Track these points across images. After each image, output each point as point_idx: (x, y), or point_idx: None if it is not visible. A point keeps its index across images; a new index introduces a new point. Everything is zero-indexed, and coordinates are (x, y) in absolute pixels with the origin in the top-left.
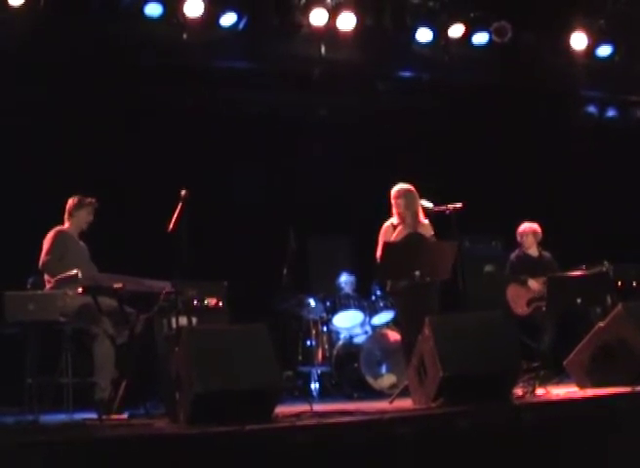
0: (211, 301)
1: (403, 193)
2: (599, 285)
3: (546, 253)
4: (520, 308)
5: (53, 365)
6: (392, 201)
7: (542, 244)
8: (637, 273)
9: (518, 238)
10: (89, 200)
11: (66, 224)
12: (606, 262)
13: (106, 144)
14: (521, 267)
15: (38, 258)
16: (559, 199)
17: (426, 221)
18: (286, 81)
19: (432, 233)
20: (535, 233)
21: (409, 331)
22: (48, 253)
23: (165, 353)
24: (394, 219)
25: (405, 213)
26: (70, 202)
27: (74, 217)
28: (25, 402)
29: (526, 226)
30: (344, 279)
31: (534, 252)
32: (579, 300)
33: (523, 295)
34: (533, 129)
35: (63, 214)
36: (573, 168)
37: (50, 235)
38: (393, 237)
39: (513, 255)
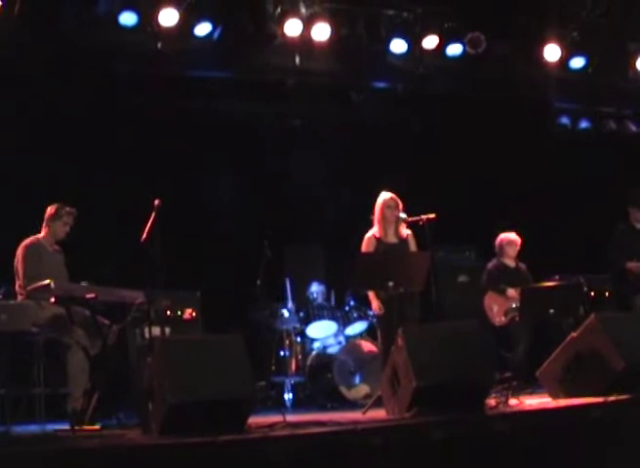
0: (185, 312)
1: (389, 203)
2: (572, 295)
3: (522, 265)
4: (497, 317)
5: (25, 375)
6: (378, 210)
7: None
8: (610, 284)
9: (498, 248)
10: (67, 210)
11: (42, 233)
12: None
13: (79, 153)
14: (498, 276)
15: (10, 268)
16: (532, 209)
17: (409, 231)
18: (260, 91)
19: (415, 244)
20: (517, 244)
21: (386, 342)
22: (25, 277)
23: (138, 363)
24: (375, 230)
25: (390, 222)
26: (48, 210)
27: (50, 227)
28: None
29: (509, 237)
30: (315, 288)
31: (511, 262)
32: (551, 311)
33: (501, 305)
34: (506, 140)
35: (37, 223)
36: (546, 179)
37: (20, 254)
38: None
39: (491, 265)
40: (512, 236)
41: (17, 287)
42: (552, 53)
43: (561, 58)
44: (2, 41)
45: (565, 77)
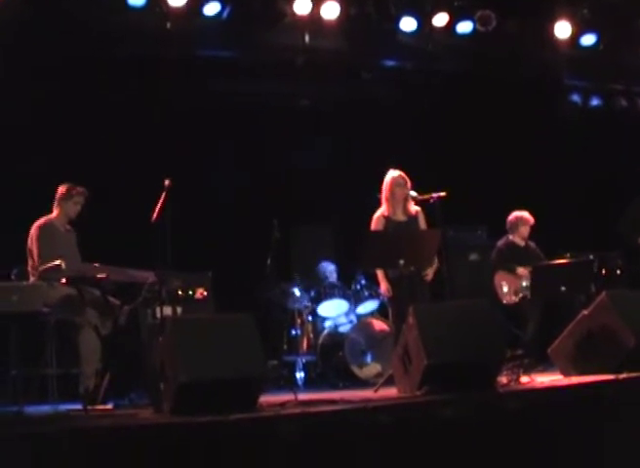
0: (196, 291)
1: (398, 181)
2: (583, 273)
3: (532, 243)
4: (508, 296)
5: (37, 356)
6: (386, 188)
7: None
8: (621, 261)
9: (510, 225)
10: (78, 189)
11: (54, 212)
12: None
13: (91, 134)
14: (509, 255)
15: (22, 249)
16: (543, 187)
17: (418, 208)
18: (269, 70)
19: (425, 221)
20: (530, 223)
21: (397, 320)
22: (40, 257)
23: (149, 343)
24: (384, 208)
25: (398, 200)
26: (60, 190)
27: (62, 207)
28: (10, 393)
29: (524, 215)
30: (326, 268)
31: (521, 241)
32: (563, 288)
33: (512, 283)
34: (517, 118)
35: (48, 204)
36: (557, 156)
37: (34, 234)
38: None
39: (501, 243)
40: (526, 215)
41: (29, 267)
42: (563, 30)
43: (572, 35)
44: (8, 22)
45: (575, 54)
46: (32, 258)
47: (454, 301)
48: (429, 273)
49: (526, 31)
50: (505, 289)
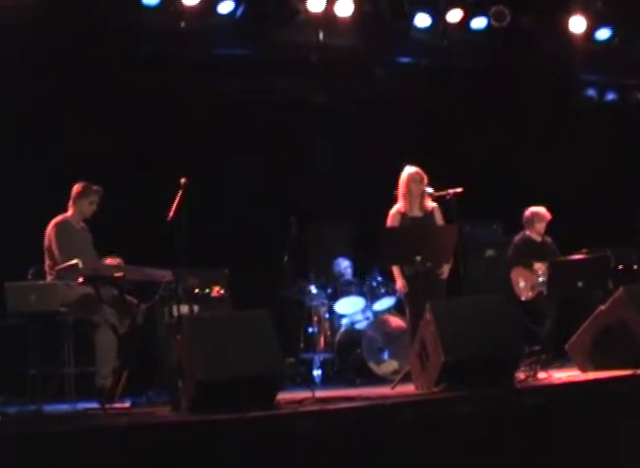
0: (213, 289)
1: (414, 177)
2: (600, 268)
3: (548, 238)
4: (524, 292)
5: (55, 355)
6: (403, 184)
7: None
8: (638, 256)
9: (526, 221)
10: (94, 188)
11: (70, 211)
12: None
13: (106, 133)
14: (526, 251)
15: (38, 247)
16: (559, 183)
17: (435, 204)
18: (284, 67)
19: (441, 217)
20: (546, 219)
21: (414, 317)
22: (60, 255)
23: (167, 341)
24: (400, 204)
25: (415, 197)
26: (75, 189)
27: (77, 206)
28: (28, 392)
29: (540, 211)
30: (342, 265)
31: (537, 236)
32: (580, 284)
33: (528, 279)
34: (532, 113)
35: (65, 202)
36: (572, 151)
37: (52, 232)
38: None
39: (518, 239)
40: (542, 210)
41: (46, 266)
42: (577, 24)
43: (587, 29)
44: (22, 21)
45: (591, 49)
46: (50, 257)
47: (470, 297)
48: (445, 271)
49: (540, 26)
50: (522, 284)
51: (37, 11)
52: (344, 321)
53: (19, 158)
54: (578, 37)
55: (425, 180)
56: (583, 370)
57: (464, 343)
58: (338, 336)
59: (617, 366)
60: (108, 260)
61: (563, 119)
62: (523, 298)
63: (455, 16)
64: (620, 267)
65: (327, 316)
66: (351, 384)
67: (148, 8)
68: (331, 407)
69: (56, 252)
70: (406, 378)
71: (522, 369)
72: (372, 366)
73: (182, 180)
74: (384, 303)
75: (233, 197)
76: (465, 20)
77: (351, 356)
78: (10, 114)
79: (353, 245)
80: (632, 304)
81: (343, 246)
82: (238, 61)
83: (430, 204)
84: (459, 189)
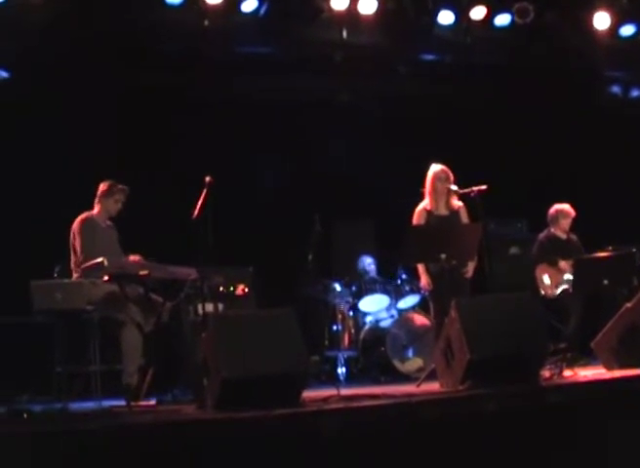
0: (237, 288)
1: (439, 175)
2: (626, 266)
3: (573, 236)
4: (549, 289)
5: (81, 353)
6: (429, 182)
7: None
8: None
9: (551, 219)
10: (119, 187)
11: (95, 209)
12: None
13: (131, 131)
14: (551, 248)
15: (64, 246)
16: (583, 180)
17: (461, 203)
18: (308, 66)
19: (467, 216)
20: (571, 216)
21: (438, 315)
22: (83, 252)
23: (192, 339)
24: (426, 202)
25: (441, 195)
26: (101, 187)
27: (103, 204)
28: (54, 390)
29: (564, 208)
30: (366, 262)
31: (562, 234)
32: (605, 282)
33: (553, 277)
34: (556, 110)
35: (90, 200)
36: (597, 148)
37: (77, 229)
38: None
39: (543, 236)
40: (567, 208)
41: (72, 263)
42: (602, 21)
43: (611, 25)
44: (46, 20)
45: (615, 45)
46: (75, 254)
47: (495, 295)
48: (470, 269)
49: (564, 23)
50: (547, 282)
51: (59, 10)
52: (369, 319)
53: (47, 156)
54: (602, 33)
55: (451, 178)
56: (609, 367)
57: (490, 341)
58: (362, 334)
59: None
60: (130, 258)
61: (588, 116)
62: (548, 296)
63: (478, 13)
64: None
65: (351, 314)
66: (376, 382)
67: (172, 7)
68: (355, 404)
69: (78, 248)
70: (431, 376)
71: (547, 366)
72: (396, 363)
73: (207, 179)
74: (409, 301)
75: (258, 195)
76: (489, 17)
77: (376, 354)
78: (36, 112)
79: (377, 243)
80: None
81: (368, 244)
82: (261, 60)
83: (456, 203)
84: (483, 187)
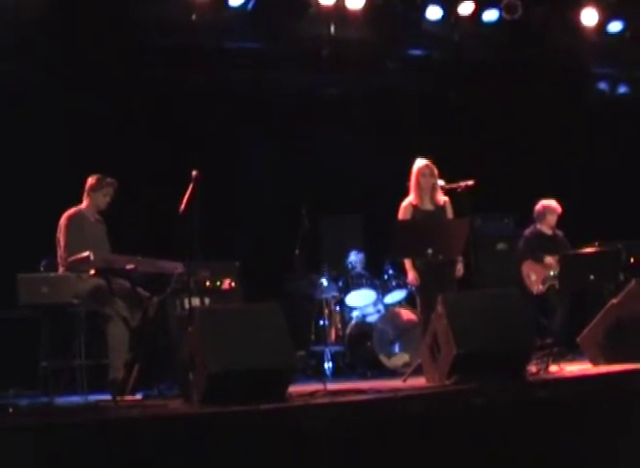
0: (224, 282)
1: (423, 171)
2: (612, 262)
3: (559, 232)
4: (535, 286)
5: (67, 347)
6: (414, 177)
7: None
8: None
9: (537, 214)
10: (108, 180)
11: (84, 203)
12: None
13: (118, 125)
14: (537, 244)
15: (51, 240)
16: (570, 176)
17: (446, 198)
18: (295, 60)
19: (452, 211)
20: (557, 212)
21: (425, 310)
22: (67, 247)
23: (178, 334)
24: (412, 197)
25: (425, 190)
26: (89, 181)
27: (91, 198)
28: (40, 384)
29: (551, 204)
30: (353, 257)
31: (548, 230)
32: (592, 277)
33: (539, 273)
34: (544, 106)
35: (77, 194)
36: (584, 145)
37: (63, 224)
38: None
39: (528, 232)
40: (553, 204)
41: (58, 257)
42: (589, 17)
43: (598, 22)
44: (36, 14)
45: (603, 42)
46: (60, 248)
47: (482, 290)
48: (460, 269)
49: (552, 19)
50: (533, 278)
51: (49, 4)
52: (355, 314)
53: (33, 150)
54: (589, 30)
55: (436, 173)
56: (595, 363)
57: (476, 336)
58: (349, 329)
59: (628, 359)
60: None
61: (575, 112)
62: (534, 292)
63: (466, 8)
64: (632, 260)
65: (338, 309)
66: (362, 377)
67: (159, 0)
68: (342, 399)
69: (62, 242)
70: (417, 371)
71: (534, 362)
72: (383, 358)
73: (194, 173)
74: (395, 296)
75: (245, 190)
76: (477, 13)
77: (362, 349)
78: (22, 106)
79: (365, 238)
80: None
81: (355, 239)
82: (249, 54)
83: (442, 197)
84: (470, 182)
